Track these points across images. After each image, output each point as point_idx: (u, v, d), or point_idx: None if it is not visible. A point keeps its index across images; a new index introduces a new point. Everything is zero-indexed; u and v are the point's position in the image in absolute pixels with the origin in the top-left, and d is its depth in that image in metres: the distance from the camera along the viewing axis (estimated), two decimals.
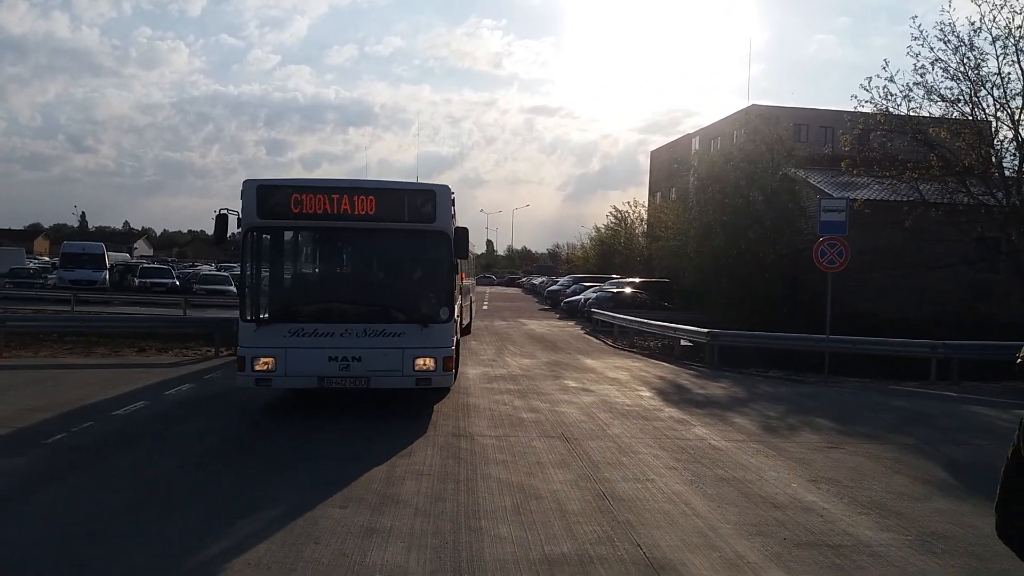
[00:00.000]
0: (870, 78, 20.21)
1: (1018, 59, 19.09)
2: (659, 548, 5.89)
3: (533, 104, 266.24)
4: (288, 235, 11.40)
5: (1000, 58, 19.31)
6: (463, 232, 10.73)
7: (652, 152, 71.88)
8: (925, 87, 20.02)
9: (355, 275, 11.88)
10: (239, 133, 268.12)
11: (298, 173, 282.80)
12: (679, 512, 6.82)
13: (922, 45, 19.88)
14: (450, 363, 10.52)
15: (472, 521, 6.41)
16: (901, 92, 20.15)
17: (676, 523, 6.51)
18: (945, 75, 19.77)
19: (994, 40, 19.20)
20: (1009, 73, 19.31)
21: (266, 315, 10.39)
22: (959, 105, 19.83)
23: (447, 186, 10.67)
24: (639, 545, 5.95)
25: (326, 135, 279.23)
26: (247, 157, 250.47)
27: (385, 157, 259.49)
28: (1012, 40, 18.96)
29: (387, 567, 5.40)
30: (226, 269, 53.92)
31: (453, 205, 10.78)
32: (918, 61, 20.24)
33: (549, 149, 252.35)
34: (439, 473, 7.95)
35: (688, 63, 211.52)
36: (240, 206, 10.29)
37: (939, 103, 20.16)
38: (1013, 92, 19.41)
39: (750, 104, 49.31)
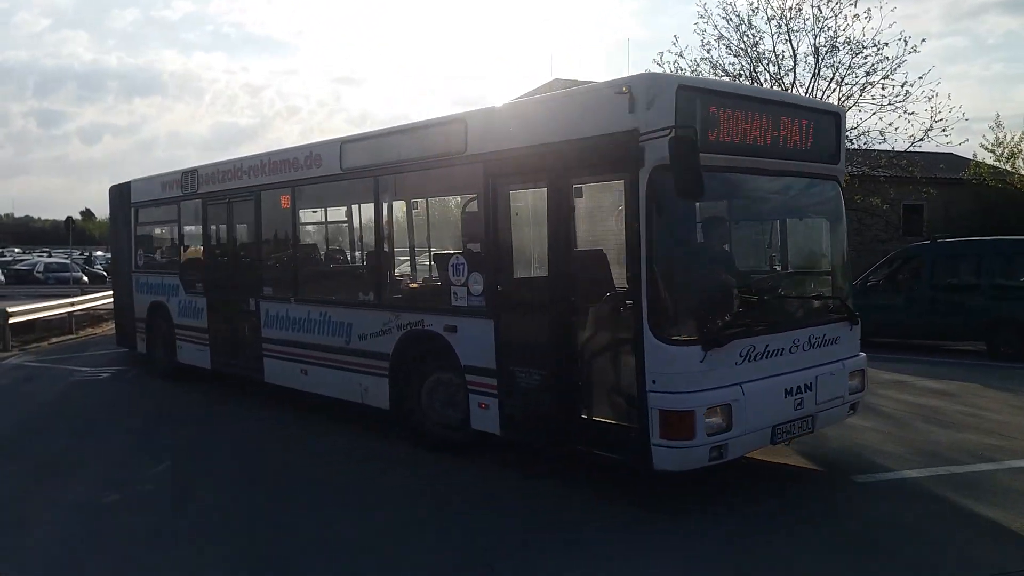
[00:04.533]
0: (661, 53, 21.43)
1: (789, 38, 20.90)
2: None
3: (340, 75, 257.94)
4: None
5: (775, 37, 21.06)
6: None
7: None
8: (711, 62, 21.44)
9: (794, 252, 7.63)
10: (3, 103, 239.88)
11: (76, 147, 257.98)
12: None
13: (707, 23, 21.26)
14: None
15: None
16: (690, 67, 21.44)
17: None
18: (728, 51, 21.29)
19: (769, 20, 20.89)
20: (783, 51, 21.10)
21: (706, 328, 5.68)
22: (741, 80, 21.42)
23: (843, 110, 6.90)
24: None
25: (108, 105, 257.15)
26: (14, 130, 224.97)
27: (176, 129, 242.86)
28: (784, 20, 20.70)
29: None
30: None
31: None
32: (704, 38, 21.66)
33: (359, 120, 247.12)
34: None
35: (495, 41, 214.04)
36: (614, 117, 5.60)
37: (724, 78, 21.67)
38: (786, 69, 21.25)
39: (553, 78, 50.73)
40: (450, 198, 9.36)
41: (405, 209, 9.36)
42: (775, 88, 21.32)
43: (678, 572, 4.84)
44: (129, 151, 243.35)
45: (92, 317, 20.66)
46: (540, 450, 6.80)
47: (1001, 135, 28.82)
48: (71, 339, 17.89)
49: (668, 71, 21.50)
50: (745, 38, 21.01)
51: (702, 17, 21.32)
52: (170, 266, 12.06)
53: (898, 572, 4.79)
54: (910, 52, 19.63)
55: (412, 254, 9.57)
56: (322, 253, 10.59)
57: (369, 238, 8.82)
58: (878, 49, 19.91)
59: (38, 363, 14.10)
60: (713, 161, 5.70)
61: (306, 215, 9.90)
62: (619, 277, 6.25)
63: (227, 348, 10.36)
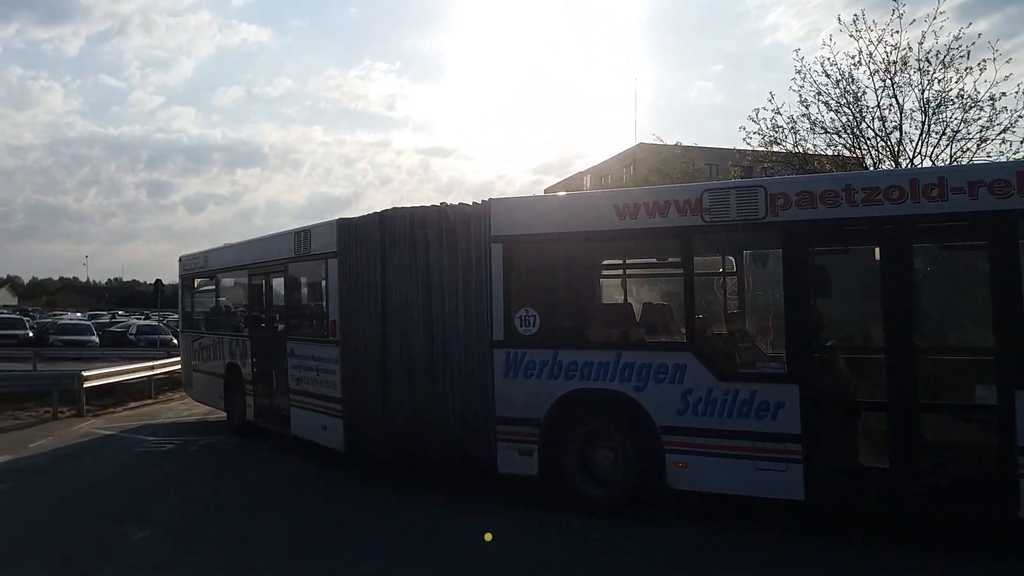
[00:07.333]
0: (757, 110, 20.10)
1: (895, 93, 19.42)
2: None
3: (428, 145, 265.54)
4: None
5: (879, 91, 19.60)
6: None
7: (546, 190, 72.24)
8: (809, 119, 20.11)
9: None
10: (118, 175, 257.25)
11: (181, 216, 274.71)
12: None
13: (804, 79, 20.00)
14: None
15: None
16: (787, 124, 20.18)
17: None
18: (827, 108, 19.93)
19: (872, 74, 19.50)
20: (890, 105, 19.59)
21: None
22: (842, 136, 20.00)
23: None
24: None
25: (212, 176, 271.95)
26: (127, 200, 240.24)
27: (274, 198, 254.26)
28: (889, 75, 19.27)
29: None
30: (94, 317, 50.00)
31: None
32: (801, 94, 20.33)
33: (446, 189, 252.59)
34: None
35: (577, 108, 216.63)
36: None
37: (823, 135, 20.29)
38: (892, 126, 19.71)
39: (637, 143, 50.17)
40: None
41: None
42: (880, 144, 19.83)
43: None
44: (230, 219, 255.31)
45: (173, 380, 20.54)
46: None
47: None
48: (149, 403, 17.66)
49: (764, 128, 20.31)
50: (847, 92, 19.63)
51: (799, 72, 20.09)
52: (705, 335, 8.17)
53: None
54: None
55: None
56: None
57: None
58: (994, 102, 18.22)
59: (107, 430, 13.73)
60: None
61: None
62: None
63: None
